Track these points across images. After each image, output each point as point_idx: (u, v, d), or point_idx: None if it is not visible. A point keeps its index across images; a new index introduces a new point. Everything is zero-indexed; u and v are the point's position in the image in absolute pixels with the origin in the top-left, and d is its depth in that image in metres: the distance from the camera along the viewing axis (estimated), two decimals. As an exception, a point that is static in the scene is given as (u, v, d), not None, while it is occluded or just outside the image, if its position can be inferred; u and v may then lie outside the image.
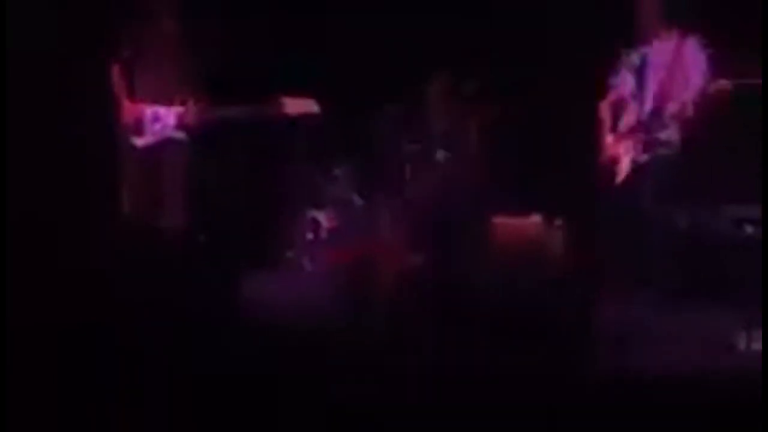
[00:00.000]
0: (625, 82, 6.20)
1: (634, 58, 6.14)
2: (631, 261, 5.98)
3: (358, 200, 6.85)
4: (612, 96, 6.25)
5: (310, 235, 6.81)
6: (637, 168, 6.08)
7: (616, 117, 6.22)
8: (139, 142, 6.37)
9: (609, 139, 6.22)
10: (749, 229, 6.23)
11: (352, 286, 6.09)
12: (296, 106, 6.34)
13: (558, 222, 6.54)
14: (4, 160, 5.89)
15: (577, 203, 6.49)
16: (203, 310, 4.99)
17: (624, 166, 6.11)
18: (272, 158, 7.28)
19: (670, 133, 6.02)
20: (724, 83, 5.85)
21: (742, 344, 5.09)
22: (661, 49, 6.07)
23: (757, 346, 5.02)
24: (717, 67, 5.88)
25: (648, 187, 6.01)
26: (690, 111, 5.93)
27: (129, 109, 6.35)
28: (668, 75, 6.02)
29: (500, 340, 4.92)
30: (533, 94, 6.94)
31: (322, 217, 6.83)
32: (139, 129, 6.36)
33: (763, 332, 4.96)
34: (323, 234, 6.80)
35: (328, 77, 6.88)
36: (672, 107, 5.98)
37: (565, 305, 5.47)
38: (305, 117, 6.40)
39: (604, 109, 6.26)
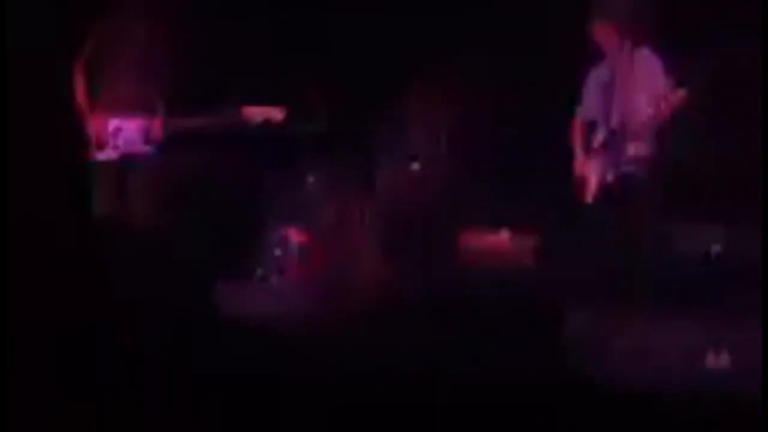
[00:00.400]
0: (592, 101, 6.26)
1: (601, 72, 6.19)
2: (601, 276, 6.03)
3: (330, 209, 6.85)
4: (581, 115, 6.32)
5: (278, 251, 6.80)
6: (607, 184, 6.14)
7: (586, 136, 6.27)
8: (100, 156, 6.29)
9: (580, 158, 6.26)
10: (717, 248, 6.35)
11: (326, 295, 6.13)
12: (259, 113, 6.34)
13: (530, 238, 6.61)
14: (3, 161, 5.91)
15: (549, 220, 6.56)
16: (172, 326, 4.97)
17: (594, 184, 6.17)
18: (242, 170, 7.26)
19: (638, 148, 6.06)
20: (679, 92, 5.87)
21: (710, 361, 5.19)
22: (621, 62, 6.12)
23: (725, 363, 5.12)
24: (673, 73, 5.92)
25: (619, 203, 6.08)
26: (656, 122, 5.97)
27: (91, 123, 6.26)
28: (629, 88, 6.06)
29: (474, 350, 4.97)
30: (508, 108, 7.02)
31: (292, 233, 6.83)
32: (100, 143, 6.28)
33: (762, 339, 5.03)
34: (294, 249, 6.79)
35: (303, 85, 6.93)
36: (637, 120, 6.02)
37: (536, 317, 5.54)
38: (271, 124, 6.39)
39: (575, 129, 6.32)
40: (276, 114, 6.37)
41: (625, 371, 5.09)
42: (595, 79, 6.24)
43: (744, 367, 5.05)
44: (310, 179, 6.99)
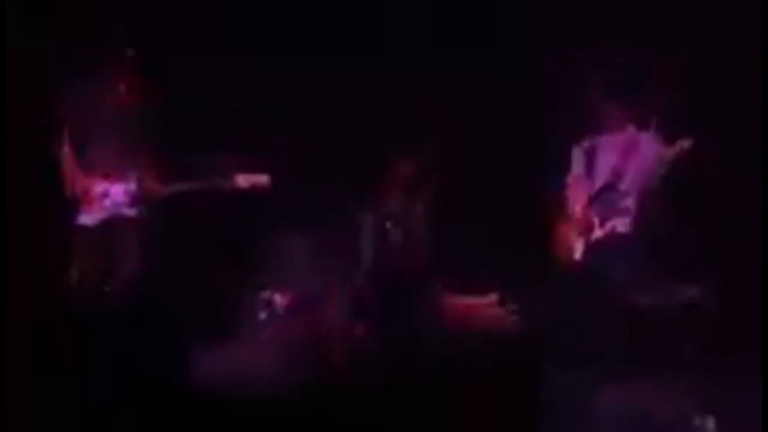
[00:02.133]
0: (577, 165, 6.29)
1: (587, 145, 6.25)
2: (582, 337, 6.00)
3: (312, 274, 6.87)
4: (570, 181, 6.34)
5: (263, 315, 6.79)
6: (587, 247, 6.17)
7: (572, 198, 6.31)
8: (86, 219, 6.28)
9: (564, 219, 6.30)
10: (694, 301, 6.33)
11: (304, 361, 6.10)
12: (248, 180, 6.34)
13: (511, 302, 6.61)
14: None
15: (530, 280, 6.56)
16: (154, 389, 4.94)
17: (575, 247, 6.18)
18: (225, 233, 7.29)
19: (618, 215, 6.12)
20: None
21: (694, 424, 5.14)
22: (615, 138, 6.20)
23: (710, 425, 5.07)
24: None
25: (597, 266, 6.09)
26: (643, 200, 6.08)
27: (77, 186, 6.27)
28: (622, 161, 6.14)
29: (449, 413, 4.93)
30: (488, 172, 7.07)
31: (277, 297, 6.82)
32: (87, 205, 6.28)
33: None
34: (278, 312, 6.78)
35: (285, 151, 6.95)
36: (625, 187, 6.10)
37: (515, 378, 5.50)
38: (258, 191, 6.39)
39: (572, 185, 6.35)
40: (263, 181, 6.36)
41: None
42: (580, 148, 6.29)
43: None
44: (295, 243, 7.00)
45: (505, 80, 7.17)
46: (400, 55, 7.36)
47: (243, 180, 6.34)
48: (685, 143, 5.85)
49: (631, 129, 6.21)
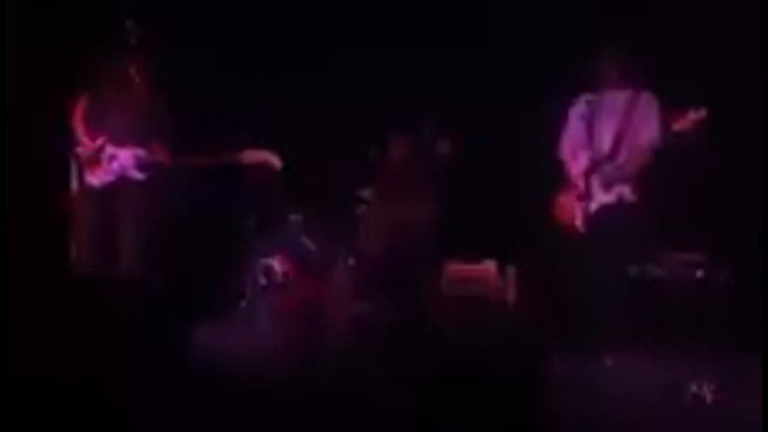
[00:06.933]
0: (576, 129, 6.25)
1: (589, 102, 6.17)
2: (582, 308, 6.02)
3: (311, 246, 6.90)
4: (565, 143, 6.30)
5: (263, 281, 6.83)
6: (589, 215, 6.11)
7: (570, 165, 6.26)
8: (93, 179, 6.32)
9: (563, 187, 6.25)
10: (699, 273, 6.37)
11: (303, 331, 6.13)
12: (257, 156, 6.35)
13: (510, 269, 6.63)
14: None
15: (529, 250, 6.58)
16: (154, 357, 4.96)
17: (576, 214, 6.14)
18: (226, 203, 7.31)
19: (623, 182, 6.06)
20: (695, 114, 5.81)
21: (692, 392, 5.18)
22: (614, 99, 6.14)
23: (707, 393, 5.11)
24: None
25: (599, 234, 6.04)
26: (642, 161, 6.01)
27: (85, 147, 6.31)
28: (621, 125, 6.06)
29: (450, 387, 4.97)
30: (489, 140, 7.08)
31: (276, 264, 6.86)
32: (94, 167, 6.31)
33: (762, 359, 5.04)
34: (277, 280, 6.82)
35: (287, 124, 7.00)
36: (624, 156, 6.05)
37: (515, 352, 5.53)
38: (268, 169, 6.39)
39: (566, 155, 6.30)
40: (275, 160, 6.37)
41: (607, 405, 5.03)
42: (579, 106, 6.25)
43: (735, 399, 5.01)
44: (295, 214, 7.04)
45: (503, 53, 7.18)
46: (401, 31, 7.37)
47: (252, 156, 6.35)
48: (699, 112, 5.76)
49: (629, 90, 6.14)
